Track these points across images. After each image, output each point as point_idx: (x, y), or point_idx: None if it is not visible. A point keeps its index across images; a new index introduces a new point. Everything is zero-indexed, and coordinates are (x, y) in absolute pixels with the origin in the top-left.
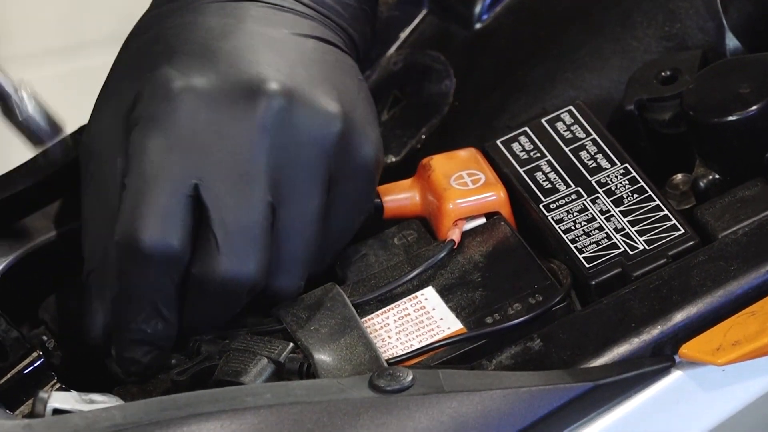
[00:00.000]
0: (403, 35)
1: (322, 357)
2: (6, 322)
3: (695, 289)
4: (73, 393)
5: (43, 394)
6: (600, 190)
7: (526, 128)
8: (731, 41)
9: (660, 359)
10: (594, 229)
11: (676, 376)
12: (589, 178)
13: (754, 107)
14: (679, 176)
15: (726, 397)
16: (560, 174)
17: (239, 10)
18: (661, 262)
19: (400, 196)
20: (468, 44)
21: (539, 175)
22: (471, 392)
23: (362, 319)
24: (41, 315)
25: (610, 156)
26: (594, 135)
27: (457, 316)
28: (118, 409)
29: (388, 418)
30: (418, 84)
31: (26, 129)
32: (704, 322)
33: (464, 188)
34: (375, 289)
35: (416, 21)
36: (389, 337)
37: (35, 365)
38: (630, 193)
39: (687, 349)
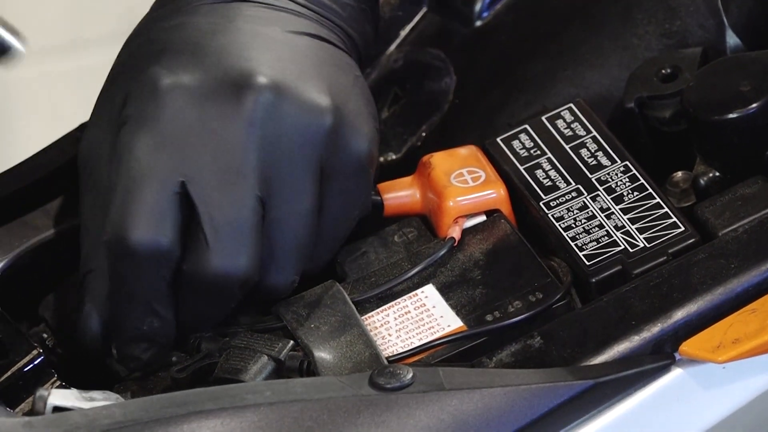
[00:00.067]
0: (403, 33)
1: (323, 355)
2: (6, 319)
3: (695, 286)
4: (74, 390)
5: (43, 392)
6: (600, 188)
7: (527, 126)
8: (731, 39)
9: (660, 357)
10: (594, 227)
11: (676, 373)
12: (590, 176)
13: (754, 105)
14: (680, 174)
15: (726, 395)
16: (560, 171)
17: (231, 10)
18: (662, 259)
19: (400, 194)
20: (468, 42)
21: (539, 173)
22: (471, 390)
23: (362, 317)
24: (41, 312)
25: (610, 153)
26: (594, 132)
27: (458, 314)
28: (119, 406)
29: (389, 415)
30: (418, 81)
31: None
32: (704, 319)
33: (464, 186)
34: (375, 287)
35: (416, 19)
36: (389, 335)
37: (35, 363)
38: (630, 191)
39: (687, 347)
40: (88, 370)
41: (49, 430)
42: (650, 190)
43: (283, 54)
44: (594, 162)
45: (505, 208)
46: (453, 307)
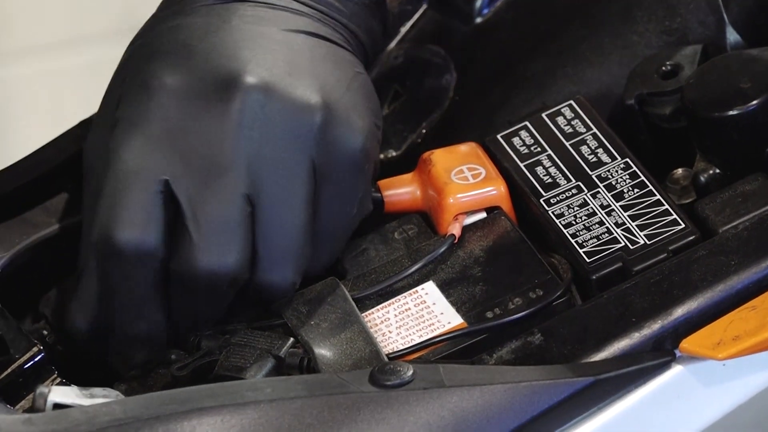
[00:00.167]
0: (403, 30)
1: (323, 352)
2: (6, 316)
3: (696, 283)
4: (74, 387)
5: (43, 389)
6: (600, 185)
7: (527, 123)
8: (732, 35)
9: (660, 354)
10: (594, 224)
11: (676, 370)
12: (590, 173)
13: (754, 102)
14: (680, 171)
15: (726, 392)
16: (561, 168)
17: (228, 10)
18: (662, 256)
19: (400, 191)
20: (469, 39)
21: (540, 170)
22: (471, 387)
23: (363, 314)
24: (42, 309)
25: (610, 150)
26: (594, 129)
27: (458, 311)
28: (119, 403)
29: (389, 412)
30: (418, 78)
31: None
32: (705, 316)
33: (465, 183)
34: (375, 284)
35: (417, 15)
36: (390, 332)
37: (36, 360)
38: (630, 188)
39: (687, 344)
40: (89, 366)
41: (49, 427)
42: (650, 187)
43: (276, 52)
44: (594, 159)
45: (506, 205)
46: (453, 304)
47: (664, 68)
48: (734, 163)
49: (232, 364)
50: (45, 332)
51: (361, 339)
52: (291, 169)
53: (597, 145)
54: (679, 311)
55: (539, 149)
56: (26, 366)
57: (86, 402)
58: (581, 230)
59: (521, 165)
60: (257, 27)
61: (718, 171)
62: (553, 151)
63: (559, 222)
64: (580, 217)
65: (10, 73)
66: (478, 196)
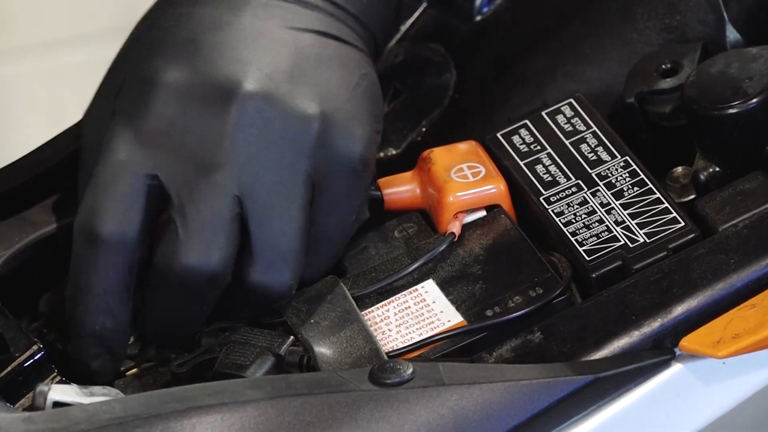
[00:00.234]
0: (403, 28)
1: (323, 350)
2: (6, 314)
3: (695, 281)
4: (74, 386)
5: (43, 387)
6: (600, 183)
7: (527, 121)
8: (731, 33)
9: (660, 352)
10: (594, 222)
11: (676, 369)
12: (590, 171)
13: (754, 100)
14: (680, 169)
15: (726, 390)
16: (561, 167)
17: (238, 2)
18: (662, 254)
19: (400, 189)
20: (469, 37)
21: (540, 168)
22: (471, 385)
23: (362, 312)
24: (41, 308)
25: (610, 149)
26: (594, 128)
27: (458, 309)
28: (119, 401)
29: (389, 411)
30: (418, 77)
31: None
32: (704, 315)
33: (464, 181)
34: (375, 282)
35: (417, 13)
36: (389, 330)
37: (35, 358)
38: (630, 186)
39: (687, 342)
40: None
41: (49, 425)
42: (650, 186)
43: (280, 55)
44: (594, 157)
45: (506, 204)
46: (453, 302)
47: (664, 66)
48: (734, 161)
49: (232, 362)
50: (44, 331)
51: (360, 337)
52: (287, 172)
53: (597, 143)
54: (679, 309)
55: (539, 147)
56: (26, 364)
57: (86, 400)
58: (581, 228)
59: (521, 163)
60: (264, 23)
61: (717, 169)
62: (552, 150)
63: (559, 220)
64: (580, 216)
65: (9, 72)
66: (478, 194)
